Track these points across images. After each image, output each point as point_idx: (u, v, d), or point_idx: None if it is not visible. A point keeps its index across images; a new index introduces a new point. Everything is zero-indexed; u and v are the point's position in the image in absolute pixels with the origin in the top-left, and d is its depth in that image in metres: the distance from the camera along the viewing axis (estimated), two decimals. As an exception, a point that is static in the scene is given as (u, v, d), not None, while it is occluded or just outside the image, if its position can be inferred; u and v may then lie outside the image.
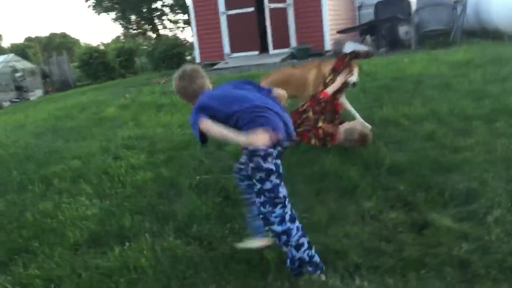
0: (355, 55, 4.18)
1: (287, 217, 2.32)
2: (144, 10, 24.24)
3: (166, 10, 25.37)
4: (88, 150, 4.82)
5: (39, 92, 17.17)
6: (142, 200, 3.52)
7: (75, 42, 60.37)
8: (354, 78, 4.18)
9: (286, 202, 2.33)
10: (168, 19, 25.69)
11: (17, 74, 17.42)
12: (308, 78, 4.50)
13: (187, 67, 2.68)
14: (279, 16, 13.02)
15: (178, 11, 24.74)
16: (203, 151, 4.32)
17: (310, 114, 4.04)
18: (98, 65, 18.04)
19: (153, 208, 3.35)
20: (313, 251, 2.32)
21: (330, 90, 4.07)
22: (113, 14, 24.31)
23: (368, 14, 14.09)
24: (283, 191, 2.32)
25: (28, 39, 59.11)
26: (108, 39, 43.58)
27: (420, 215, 2.79)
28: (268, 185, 2.27)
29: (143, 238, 2.91)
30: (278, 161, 2.30)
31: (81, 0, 23.06)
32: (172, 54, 15.47)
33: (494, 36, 10.14)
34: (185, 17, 24.13)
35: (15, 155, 5.15)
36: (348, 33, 13.17)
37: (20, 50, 37.36)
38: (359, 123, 3.92)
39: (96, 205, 3.54)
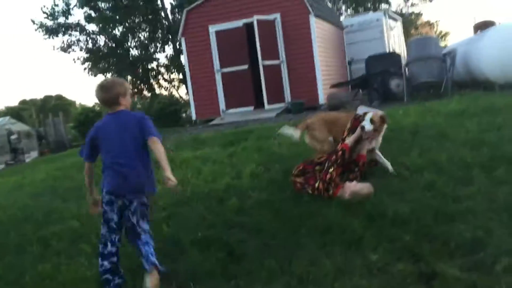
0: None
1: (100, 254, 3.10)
2: (140, 71, 24.77)
3: (162, 70, 25.95)
4: (87, 210, 4.75)
5: (34, 154, 17.16)
6: (144, 259, 3.45)
7: (71, 103, 61.11)
8: (366, 124, 4.34)
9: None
10: (163, 79, 26.22)
11: (13, 137, 17.48)
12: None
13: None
14: (273, 72, 13.33)
15: (173, 70, 25.29)
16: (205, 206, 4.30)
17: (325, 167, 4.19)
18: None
19: (156, 268, 3.28)
20: None
21: (349, 141, 4.33)
22: (109, 76, 24.80)
23: (358, 69, 14.48)
24: (103, 230, 3.12)
25: (23, 102, 59.77)
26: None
27: (428, 266, 2.76)
28: None
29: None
30: (106, 207, 3.10)
31: (76, 62, 23.71)
32: (168, 112, 15.67)
33: (485, 86, 10.38)
34: (180, 76, 24.62)
35: (13, 217, 5.09)
36: (340, 87, 13.46)
37: (15, 113, 37.72)
38: (366, 187, 3.93)
39: (95, 265, 3.46)
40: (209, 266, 3.14)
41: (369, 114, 4.43)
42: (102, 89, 3.18)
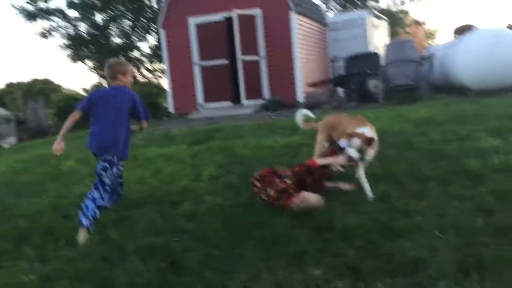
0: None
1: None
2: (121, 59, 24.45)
3: (144, 59, 25.66)
4: (38, 207, 4.64)
5: (13, 140, 16.83)
6: (84, 264, 3.34)
7: (57, 88, 60.20)
8: (353, 153, 4.03)
9: None
10: (145, 68, 25.92)
11: (-10, 122, 17.11)
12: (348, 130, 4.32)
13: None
14: (252, 68, 13.23)
15: (155, 60, 25.03)
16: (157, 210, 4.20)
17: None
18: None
19: (94, 274, 3.17)
20: None
21: (320, 161, 4.18)
22: (90, 63, 24.46)
23: (341, 67, 14.45)
24: None
25: (10, 85, 58.73)
26: (90, 85, 43.67)
27: (367, 285, 2.69)
28: None
29: (78, 309, 2.74)
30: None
31: (58, 48, 23.35)
32: (146, 103, 15.41)
33: (459, 91, 10.42)
34: (163, 66, 24.39)
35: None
36: (319, 86, 13.40)
37: (0, 96, 36.92)
38: (316, 197, 3.85)
39: (35, 269, 3.35)
40: (148, 276, 3.04)
41: (356, 142, 4.02)
42: (107, 66, 4.27)
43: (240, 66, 13.00)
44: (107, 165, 4.02)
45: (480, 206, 3.48)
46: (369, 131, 4.10)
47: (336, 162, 4.19)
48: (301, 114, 5.01)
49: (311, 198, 3.83)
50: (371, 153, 4.08)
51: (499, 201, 3.53)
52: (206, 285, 2.89)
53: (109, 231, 3.85)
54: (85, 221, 3.76)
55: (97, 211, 3.86)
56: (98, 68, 25.68)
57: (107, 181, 4.01)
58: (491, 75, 9.58)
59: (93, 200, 3.87)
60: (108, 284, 3.00)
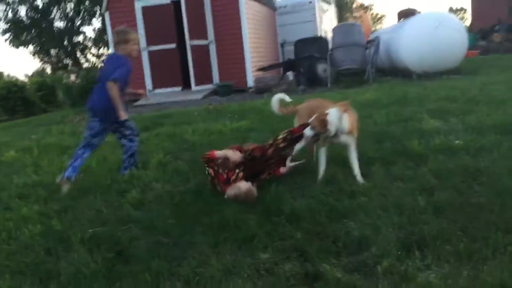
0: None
1: None
2: (65, 44, 23.54)
3: (89, 44, 24.82)
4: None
5: None
6: (27, 257, 3.22)
7: (-1, 74, 57.32)
8: (307, 131, 4.02)
9: None
10: (91, 53, 25.12)
11: None
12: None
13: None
14: (201, 52, 13.09)
15: (101, 45, 24.28)
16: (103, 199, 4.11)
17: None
18: (16, 100, 17.12)
19: (38, 267, 3.07)
20: None
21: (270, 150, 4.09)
22: (31, 48, 23.42)
23: (291, 52, 14.53)
24: None
25: None
26: (32, 71, 41.77)
27: (314, 266, 2.74)
28: None
29: (21, 303, 2.65)
30: None
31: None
32: (91, 89, 14.97)
33: (404, 74, 10.73)
34: (109, 51, 23.67)
35: None
36: (268, 70, 13.44)
37: None
38: (247, 186, 3.81)
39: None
40: (94, 267, 2.97)
41: (311, 121, 3.98)
42: (113, 33, 4.96)
43: (189, 51, 12.82)
44: (91, 125, 4.73)
45: (422, 186, 3.60)
46: (333, 112, 3.94)
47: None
48: (277, 99, 4.72)
49: (241, 187, 3.80)
50: (329, 132, 3.95)
51: (439, 181, 3.67)
52: (154, 273, 2.86)
53: (53, 221, 3.73)
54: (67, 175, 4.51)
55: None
56: (40, 52, 24.63)
57: (87, 137, 4.74)
58: (433, 58, 9.91)
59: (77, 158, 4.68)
60: (53, 276, 2.92)
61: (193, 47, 12.86)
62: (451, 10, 73.51)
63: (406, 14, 11.98)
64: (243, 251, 3.00)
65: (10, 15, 22.65)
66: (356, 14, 34.55)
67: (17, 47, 23.65)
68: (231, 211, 3.52)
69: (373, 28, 38.66)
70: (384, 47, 11.40)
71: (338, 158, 4.44)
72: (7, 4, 22.38)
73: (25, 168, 5.37)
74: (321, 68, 12.14)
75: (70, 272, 2.94)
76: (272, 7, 16.90)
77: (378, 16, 60.87)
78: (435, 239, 2.80)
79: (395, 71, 11.52)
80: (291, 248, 2.97)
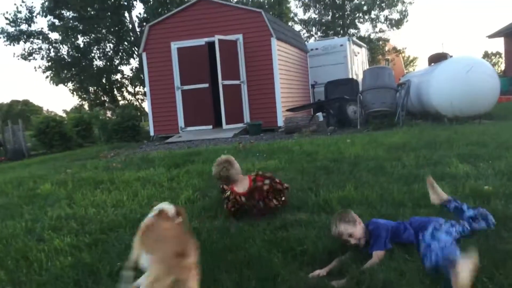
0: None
1: None
2: (103, 82, 24.48)
3: (126, 82, 25.72)
4: (12, 230, 4.59)
5: (-10, 162, 16.64)
6: (56, 289, 3.32)
7: (38, 109, 59.59)
8: None
9: None
10: (127, 91, 25.99)
11: (-30, 144, 16.91)
12: None
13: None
14: (233, 92, 13.38)
15: (137, 83, 25.11)
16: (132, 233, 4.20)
17: None
18: (54, 135, 17.76)
19: (66, 299, 3.16)
20: None
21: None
22: (70, 85, 24.41)
23: (321, 93, 14.70)
24: None
25: (-12, 106, 58.08)
26: (70, 107, 43.38)
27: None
28: None
29: (49, 334, 2.72)
30: None
31: (37, 70, 23.33)
32: (126, 126, 15.44)
33: (434, 118, 10.67)
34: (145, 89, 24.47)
35: None
36: (298, 111, 13.59)
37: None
38: None
39: (7, 294, 3.32)
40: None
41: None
42: None
43: (221, 90, 13.13)
44: None
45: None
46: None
47: None
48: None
49: None
50: None
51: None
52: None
53: (83, 254, 3.84)
54: None
55: None
56: (79, 90, 25.61)
57: None
58: (465, 103, 9.84)
59: None
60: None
61: (225, 87, 13.18)
62: (486, 54, 72.96)
63: (437, 58, 12.01)
64: (266, 291, 3.02)
65: (52, 53, 23.82)
66: (388, 57, 34.70)
67: (57, 84, 24.69)
68: (256, 249, 3.56)
69: (405, 71, 38.70)
70: (415, 90, 11.41)
71: (365, 201, 4.45)
72: (50, 43, 23.56)
73: (59, 201, 5.55)
74: (351, 109, 12.22)
75: (98, 304, 3.02)
76: (304, 49, 17.23)
77: (411, 58, 60.93)
78: (461, 286, 2.75)
79: (425, 115, 11.47)
80: (314, 288, 2.97)
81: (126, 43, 24.22)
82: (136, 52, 24.04)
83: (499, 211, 3.74)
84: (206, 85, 13.59)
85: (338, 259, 3.31)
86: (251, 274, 3.21)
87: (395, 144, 6.88)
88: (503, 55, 36.65)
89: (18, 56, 23.55)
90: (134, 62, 25.60)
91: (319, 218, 4.19)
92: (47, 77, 24.15)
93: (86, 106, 28.14)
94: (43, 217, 5.00)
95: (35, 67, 25.48)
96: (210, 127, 13.67)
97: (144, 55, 14.33)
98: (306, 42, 20.94)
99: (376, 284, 2.92)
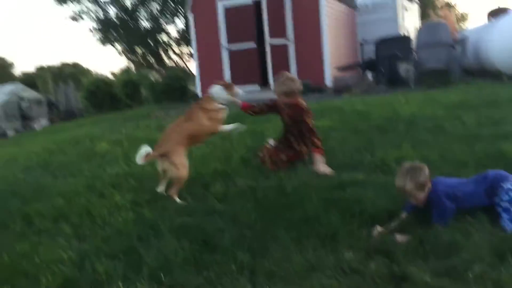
0: None
1: None
2: (150, 43, 24.66)
3: (172, 43, 25.79)
4: (74, 187, 4.77)
5: (44, 122, 17.28)
6: (121, 243, 3.43)
7: (86, 71, 61.01)
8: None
9: None
10: (173, 52, 26.08)
11: (23, 104, 17.55)
12: None
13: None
14: (280, 51, 13.17)
15: (183, 44, 25.14)
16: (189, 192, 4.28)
17: None
18: (104, 96, 18.18)
19: (130, 252, 3.26)
20: None
21: None
22: (119, 47, 24.74)
23: (370, 51, 14.22)
24: None
25: (40, 68, 59.83)
26: (118, 69, 44.20)
27: (400, 268, 2.69)
28: None
29: (116, 286, 2.83)
30: None
31: (88, 32, 23.85)
32: (174, 87, 15.56)
33: (493, 76, 10.15)
34: (190, 49, 24.49)
35: (1, 191, 5.10)
36: (347, 70, 13.26)
37: (31, 79, 37.70)
38: None
39: (73, 247, 3.47)
40: (182, 255, 3.11)
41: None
42: None
43: (268, 50, 12.95)
44: None
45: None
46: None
47: None
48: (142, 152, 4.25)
49: None
50: None
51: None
52: (239, 265, 2.94)
53: (144, 210, 3.94)
54: None
55: None
56: (127, 51, 25.93)
57: None
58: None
59: None
60: (145, 261, 3.09)
61: (273, 46, 12.98)
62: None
63: (497, 13, 11.32)
64: (327, 248, 3.01)
65: (101, 15, 24.14)
66: (440, 12, 33.11)
67: (105, 44, 25.08)
68: (312, 207, 3.54)
69: (457, 28, 36.92)
70: (473, 47, 10.86)
71: (424, 161, 4.32)
72: (98, 4, 23.84)
73: (117, 160, 5.70)
74: (403, 67, 11.78)
75: (160, 259, 3.10)
76: (352, 6, 16.64)
77: (462, 15, 57.86)
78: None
79: (483, 73, 10.93)
80: (375, 248, 2.93)
81: (171, 2, 24.14)
82: (181, 12, 23.96)
83: None
84: (253, 44, 13.42)
85: (398, 218, 3.25)
86: (310, 232, 3.21)
87: (453, 103, 6.60)
88: None
89: (67, 17, 24.09)
90: (179, 22, 25.60)
91: (376, 177, 4.11)
92: (97, 39, 24.59)
93: (133, 68, 28.57)
94: (102, 174, 5.16)
95: (89, 29, 25.62)
96: (257, 87, 13.58)
97: (191, 15, 14.25)
98: (354, -1, 20.20)
99: (441, 244, 2.85)
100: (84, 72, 58.90)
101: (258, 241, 3.22)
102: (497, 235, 2.85)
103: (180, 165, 4.26)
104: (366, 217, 3.32)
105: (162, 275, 2.88)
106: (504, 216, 2.98)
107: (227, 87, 4.68)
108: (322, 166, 4.44)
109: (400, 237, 3.01)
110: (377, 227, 3.15)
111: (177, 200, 4.15)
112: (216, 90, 4.68)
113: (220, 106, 4.65)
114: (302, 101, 4.71)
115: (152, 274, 2.93)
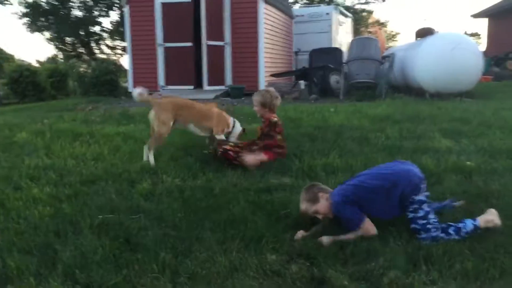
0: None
1: None
2: (81, 33, 23.70)
3: (105, 35, 24.97)
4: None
5: (-37, 109, 16.07)
6: (36, 238, 3.25)
7: (9, 57, 57.49)
8: None
9: None
10: (105, 45, 25.25)
11: None
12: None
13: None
14: (216, 53, 13.15)
15: (117, 37, 24.42)
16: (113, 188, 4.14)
17: None
18: (27, 84, 17.17)
19: (45, 248, 3.10)
20: None
21: None
22: (47, 34, 23.56)
23: (304, 60, 14.56)
24: None
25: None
26: (44, 57, 41.90)
27: (320, 271, 2.76)
28: None
29: (27, 282, 2.67)
30: None
31: (13, 16, 22.38)
32: (104, 80, 15.03)
33: (417, 92, 10.72)
34: (124, 43, 23.83)
35: None
36: (282, 77, 13.47)
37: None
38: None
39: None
40: (101, 252, 2.99)
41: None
42: None
43: (204, 51, 12.88)
44: None
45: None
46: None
47: None
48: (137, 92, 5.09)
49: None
50: None
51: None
52: (161, 264, 2.88)
53: (63, 205, 3.76)
54: None
55: None
56: (56, 39, 24.76)
57: None
58: (448, 80, 9.88)
59: None
60: (61, 258, 2.94)
61: (209, 47, 12.92)
62: (465, 34, 73.42)
63: (424, 33, 11.97)
64: (250, 250, 3.02)
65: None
66: (371, 29, 34.57)
67: (33, 32, 23.82)
68: (239, 209, 3.55)
69: (386, 45, 38.69)
70: (399, 64, 11.41)
71: (348, 169, 4.47)
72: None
73: (37, 151, 5.40)
74: (334, 79, 12.17)
75: (77, 255, 2.97)
76: (290, 15, 16.97)
77: (393, 33, 60.78)
78: (442, 256, 2.81)
79: (408, 89, 11.52)
80: (298, 252, 2.99)
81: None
82: (116, 4, 23.26)
83: (481, 187, 3.81)
84: (190, 44, 13.28)
85: (321, 223, 3.33)
86: (235, 234, 3.21)
87: (379, 116, 6.90)
88: (481, 36, 36.94)
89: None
90: (114, 15, 24.84)
91: (303, 183, 4.19)
92: (23, 24, 23.25)
93: (61, 57, 27.32)
94: (20, 165, 4.87)
95: (13, 13, 24.23)
96: (191, 87, 13.45)
97: (126, 8, 13.87)
98: (291, 9, 20.61)
99: (360, 250, 2.96)
100: (8, 58, 55.53)
101: (182, 241, 3.17)
102: (413, 243, 3.00)
103: (163, 122, 4.95)
104: (291, 221, 3.38)
105: (78, 273, 2.75)
106: (423, 235, 3.07)
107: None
108: (249, 156, 4.67)
109: (326, 239, 3.10)
110: (301, 231, 3.22)
111: (152, 159, 4.76)
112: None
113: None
114: (273, 118, 4.91)
115: (67, 272, 2.79)
